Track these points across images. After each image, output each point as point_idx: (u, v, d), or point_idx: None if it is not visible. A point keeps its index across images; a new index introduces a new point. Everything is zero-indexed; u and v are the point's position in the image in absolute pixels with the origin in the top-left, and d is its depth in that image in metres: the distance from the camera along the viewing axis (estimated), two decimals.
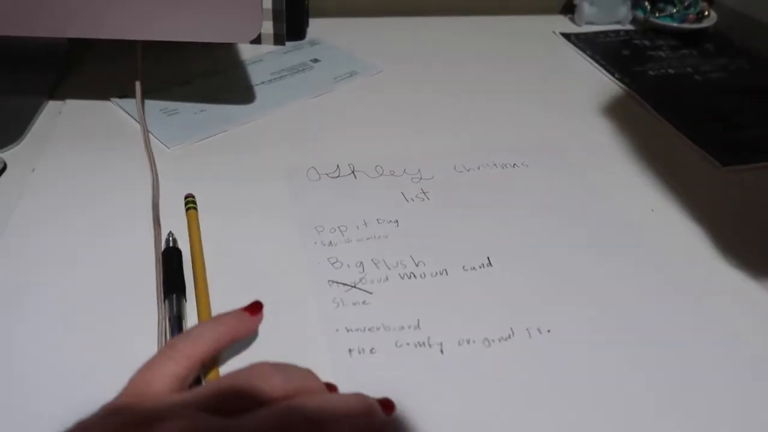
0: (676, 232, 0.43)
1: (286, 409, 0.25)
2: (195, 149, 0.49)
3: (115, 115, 0.52)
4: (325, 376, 0.30)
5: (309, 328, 0.34)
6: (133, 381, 0.27)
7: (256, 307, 0.33)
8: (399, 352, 0.34)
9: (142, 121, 0.50)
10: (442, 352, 0.34)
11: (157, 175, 0.45)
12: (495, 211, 0.44)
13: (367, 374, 0.32)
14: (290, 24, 0.65)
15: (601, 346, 0.35)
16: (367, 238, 0.41)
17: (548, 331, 0.35)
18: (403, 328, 0.35)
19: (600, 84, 0.63)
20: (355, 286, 0.37)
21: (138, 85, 0.51)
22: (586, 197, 0.46)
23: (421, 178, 0.47)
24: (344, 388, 0.31)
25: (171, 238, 0.39)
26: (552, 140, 0.52)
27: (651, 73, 0.65)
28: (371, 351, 0.33)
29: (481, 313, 0.36)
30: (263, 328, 0.34)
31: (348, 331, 0.34)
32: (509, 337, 0.35)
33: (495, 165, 0.49)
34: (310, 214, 0.43)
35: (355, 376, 0.32)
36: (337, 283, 0.37)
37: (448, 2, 0.77)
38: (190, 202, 0.42)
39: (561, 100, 0.59)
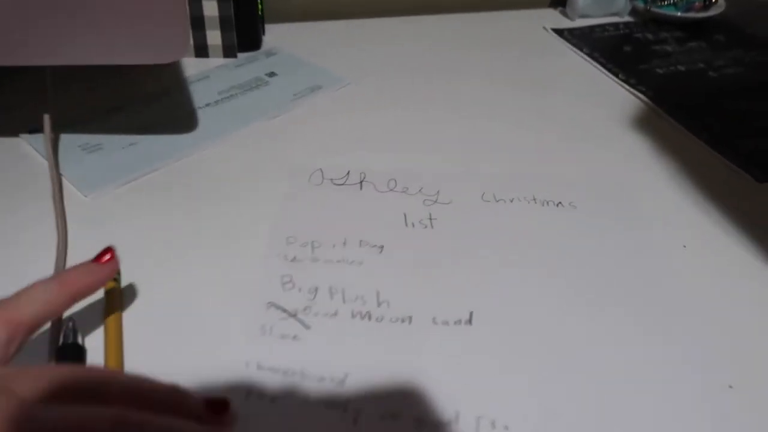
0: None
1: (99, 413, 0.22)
2: (120, 195, 0.38)
3: (24, 154, 0.42)
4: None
5: (222, 354, 0.29)
6: None
7: (105, 254, 0.29)
8: (303, 411, 0.27)
9: (52, 164, 0.39)
10: (355, 423, 0.27)
11: (65, 234, 0.35)
12: (505, 256, 0.35)
13: (255, 425, 0.26)
14: (242, 32, 0.55)
15: None
16: (338, 261, 0.35)
17: (506, 428, 0.26)
18: (323, 379, 0.28)
19: (604, 87, 0.53)
20: (294, 316, 0.31)
21: (46, 118, 0.40)
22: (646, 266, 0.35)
23: (435, 201, 0.39)
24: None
25: (70, 330, 0.30)
26: (572, 171, 0.42)
27: (659, 71, 0.55)
28: (272, 400, 0.27)
29: (429, 385, 0.28)
30: (175, 340, 0.30)
31: (259, 368, 0.29)
32: (450, 423, 0.27)
33: (534, 200, 0.39)
34: (288, 222, 0.37)
35: (242, 426, 0.26)
36: (276, 307, 0.32)
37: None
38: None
39: (568, 113, 0.49)
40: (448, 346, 0.30)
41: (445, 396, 0.28)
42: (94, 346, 0.29)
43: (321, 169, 0.42)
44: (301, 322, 0.31)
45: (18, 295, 0.26)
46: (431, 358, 0.29)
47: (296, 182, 0.40)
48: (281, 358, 0.29)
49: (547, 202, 0.39)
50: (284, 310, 0.32)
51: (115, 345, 0.29)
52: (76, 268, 0.28)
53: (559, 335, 0.31)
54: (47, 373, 0.23)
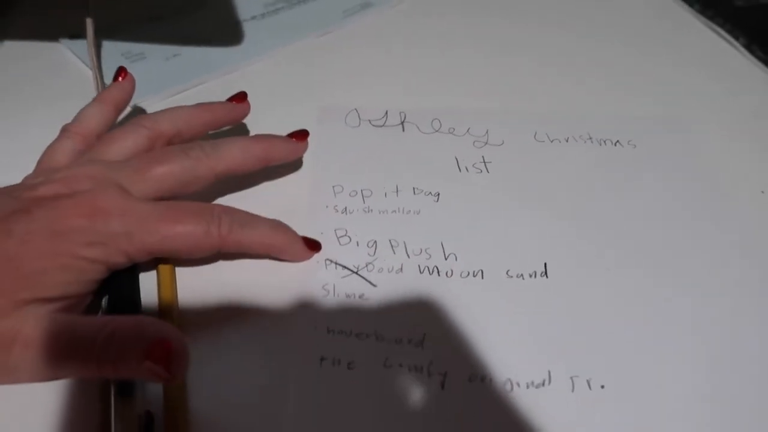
0: None
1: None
2: (166, 106, 0.35)
3: (65, 60, 0.41)
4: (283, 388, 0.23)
5: (284, 318, 0.27)
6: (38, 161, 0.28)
7: (240, 97, 0.32)
8: (384, 374, 0.25)
9: (96, 71, 0.38)
10: (443, 387, 0.25)
11: None
12: (569, 200, 0.33)
13: (334, 393, 0.24)
14: None
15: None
16: (393, 211, 0.32)
17: (602, 387, 0.25)
18: (400, 342, 0.26)
19: (673, 18, 0.47)
20: (357, 272, 0.29)
21: (89, 22, 0.38)
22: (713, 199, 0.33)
23: (486, 143, 0.36)
24: (302, 407, 0.23)
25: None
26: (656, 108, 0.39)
27: (738, 2, 0.49)
28: (348, 365, 0.25)
29: (514, 343, 0.26)
30: (233, 301, 0.27)
31: (329, 332, 0.26)
32: (544, 383, 0.25)
33: (591, 139, 0.37)
34: (331, 169, 0.34)
35: (319, 392, 0.24)
36: (336, 264, 0.29)
37: None
38: None
39: (626, 46, 0.45)
40: (526, 301, 0.28)
41: (534, 355, 0.26)
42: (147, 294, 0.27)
43: (356, 110, 0.38)
44: (366, 279, 0.28)
45: (162, 111, 0.30)
46: (511, 315, 0.27)
47: (330, 124, 0.37)
48: (351, 320, 0.27)
49: (604, 141, 0.37)
50: (345, 267, 0.29)
51: (169, 297, 0.27)
52: (214, 102, 0.32)
53: (636, 288, 0.29)
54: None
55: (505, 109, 0.39)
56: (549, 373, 0.25)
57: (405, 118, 0.38)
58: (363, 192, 0.33)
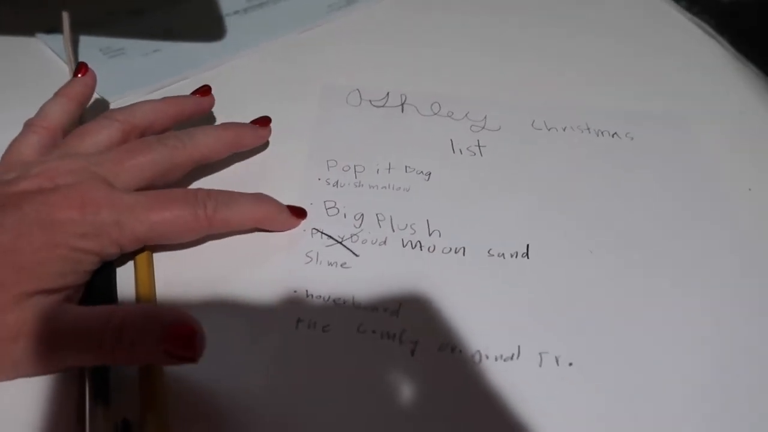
0: None
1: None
2: None
3: (42, 55, 0.39)
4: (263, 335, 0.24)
5: (265, 283, 0.28)
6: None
7: (204, 90, 0.33)
8: (357, 339, 0.26)
9: (72, 66, 0.37)
10: (413, 354, 0.25)
11: None
12: (559, 187, 0.33)
13: (308, 354, 0.25)
14: None
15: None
16: (383, 187, 0.33)
17: (570, 364, 0.25)
18: (376, 310, 0.27)
19: (663, 15, 0.48)
20: (341, 242, 0.30)
21: (65, 16, 0.37)
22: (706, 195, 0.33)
23: (483, 128, 0.37)
24: (274, 366, 0.24)
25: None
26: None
27: (723, 0, 0.48)
28: (324, 329, 0.26)
29: (487, 318, 0.27)
30: (213, 267, 0.28)
31: (308, 296, 0.27)
32: (513, 357, 0.25)
33: (588, 129, 0.37)
34: (327, 144, 0.35)
35: (293, 352, 0.25)
36: (322, 233, 0.30)
37: None
38: None
39: (624, 43, 0.45)
40: (505, 279, 0.28)
41: (506, 330, 0.26)
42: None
43: (358, 89, 0.39)
44: (349, 249, 0.29)
45: (133, 105, 0.30)
46: (489, 291, 0.28)
47: (332, 102, 0.38)
48: (330, 286, 0.28)
49: (602, 132, 0.37)
50: (330, 237, 0.30)
51: (146, 282, 0.27)
52: (180, 96, 0.33)
53: (618, 273, 0.29)
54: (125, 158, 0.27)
55: (506, 96, 0.39)
56: (519, 347, 0.26)
57: (405, 99, 0.38)
58: (356, 167, 0.33)
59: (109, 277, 0.27)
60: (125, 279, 0.27)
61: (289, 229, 0.30)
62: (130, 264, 0.28)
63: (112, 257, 0.26)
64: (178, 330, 0.21)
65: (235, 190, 0.29)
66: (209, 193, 0.27)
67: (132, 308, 0.23)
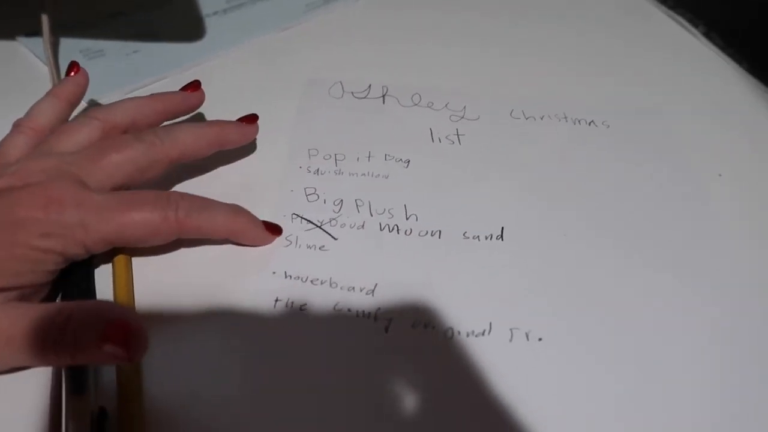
0: None
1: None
2: None
3: (22, 59, 0.40)
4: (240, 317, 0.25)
5: (246, 264, 0.28)
6: None
7: (193, 86, 0.32)
8: (332, 319, 0.26)
9: (53, 69, 0.38)
10: (386, 330, 0.26)
11: None
12: (536, 173, 0.34)
13: (284, 331, 0.26)
14: None
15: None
16: (363, 174, 0.33)
17: (539, 339, 0.26)
18: (352, 289, 0.28)
19: (639, 8, 0.48)
20: (320, 227, 0.30)
21: (45, 19, 0.37)
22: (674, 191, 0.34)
23: (462, 117, 0.38)
24: (252, 340, 0.25)
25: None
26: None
27: None
28: (301, 308, 0.27)
29: (460, 297, 0.28)
30: (194, 250, 0.29)
31: (286, 277, 0.28)
32: (484, 333, 0.26)
33: (566, 118, 0.38)
34: (309, 134, 0.36)
35: (269, 328, 0.26)
36: (301, 218, 0.31)
37: None
38: None
39: (601, 34, 0.46)
40: (479, 260, 0.29)
41: (478, 308, 0.27)
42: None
43: (341, 82, 0.40)
44: (328, 233, 0.30)
45: (115, 103, 0.30)
46: (462, 272, 0.29)
47: (315, 94, 0.39)
48: (308, 268, 0.28)
49: (579, 121, 0.38)
50: (309, 221, 0.30)
51: (124, 277, 0.27)
52: (168, 92, 0.32)
53: (590, 254, 0.30)
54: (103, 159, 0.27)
55: (486, 87, 0.40)
56: (490, 324, 0.26)
57: (387, 91, 0.39)
58: (336, 156, 0.34)
59: (88, 281, 0.26)
60: (104, 281, 0.27)
61: (263, 245, 0.29)
62: (109, 266, 0.28)
63: (78, 258, 0.25)
64: (117, 327, 0.20)
65: (216, 186, 0.29)
66: (183, 196, 0.27)
67: (80, 304, 0.22)
